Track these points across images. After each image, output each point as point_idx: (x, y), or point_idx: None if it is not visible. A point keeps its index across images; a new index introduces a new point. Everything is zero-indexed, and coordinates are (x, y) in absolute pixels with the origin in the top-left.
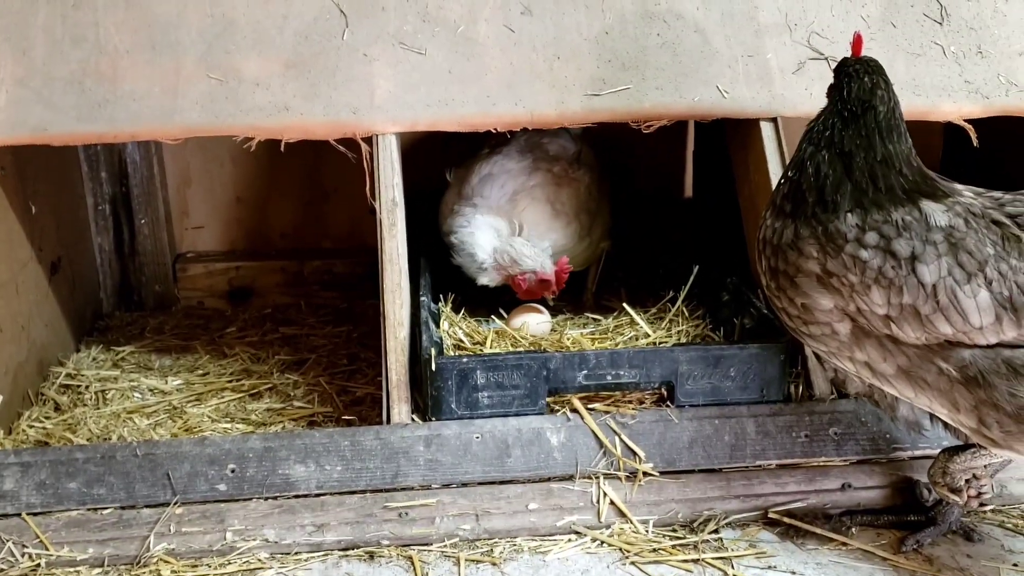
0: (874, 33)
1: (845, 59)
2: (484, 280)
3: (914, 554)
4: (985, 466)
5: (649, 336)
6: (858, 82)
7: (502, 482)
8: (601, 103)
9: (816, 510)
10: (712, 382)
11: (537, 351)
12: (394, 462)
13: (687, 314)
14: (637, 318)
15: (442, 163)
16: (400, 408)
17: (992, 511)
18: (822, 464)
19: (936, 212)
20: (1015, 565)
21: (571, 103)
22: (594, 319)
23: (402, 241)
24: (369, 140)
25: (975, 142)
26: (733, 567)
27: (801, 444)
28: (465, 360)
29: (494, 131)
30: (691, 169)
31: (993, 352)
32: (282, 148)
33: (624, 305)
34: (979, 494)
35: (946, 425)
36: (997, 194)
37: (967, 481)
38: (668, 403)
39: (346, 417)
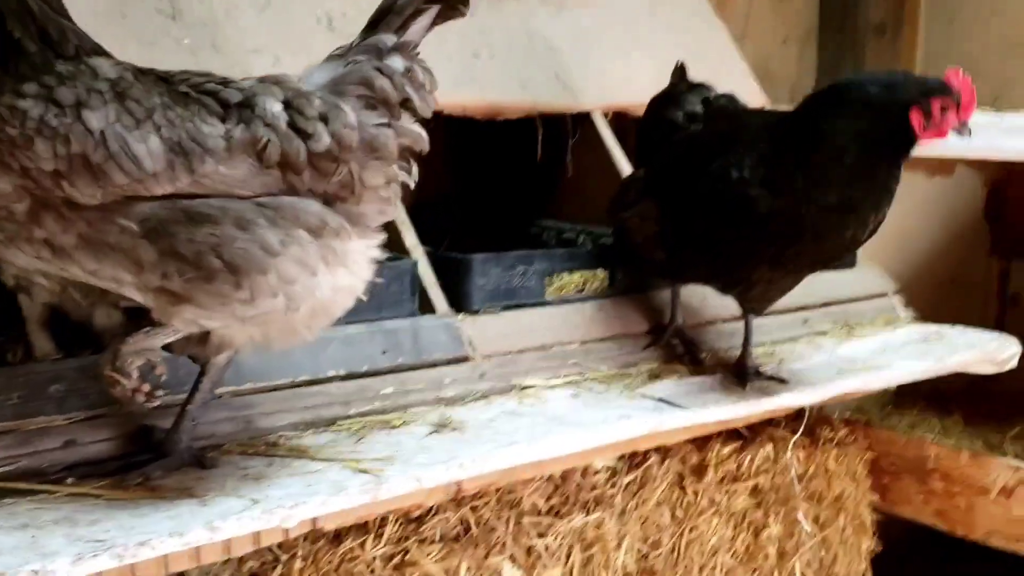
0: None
1: None
2: None
3: (140, 487)
4: (160, 353)
5: None
6: None
7: None
8: None
9: (33, 471)
10: None
11: None
12: None
13: None
14: None
15: None
16: None
17: (238, 444)
18: (42, 426)
19: (103, 65)
20: (246, 475)
21: None
22: None
23: None
24: None
25: None
26: None
27: (13, 407)
28: None
29: None
30: None
31: (171, 203)
32: None
33: None
34: (150, 385)
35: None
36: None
37: (140, 369)
38: None
39: None
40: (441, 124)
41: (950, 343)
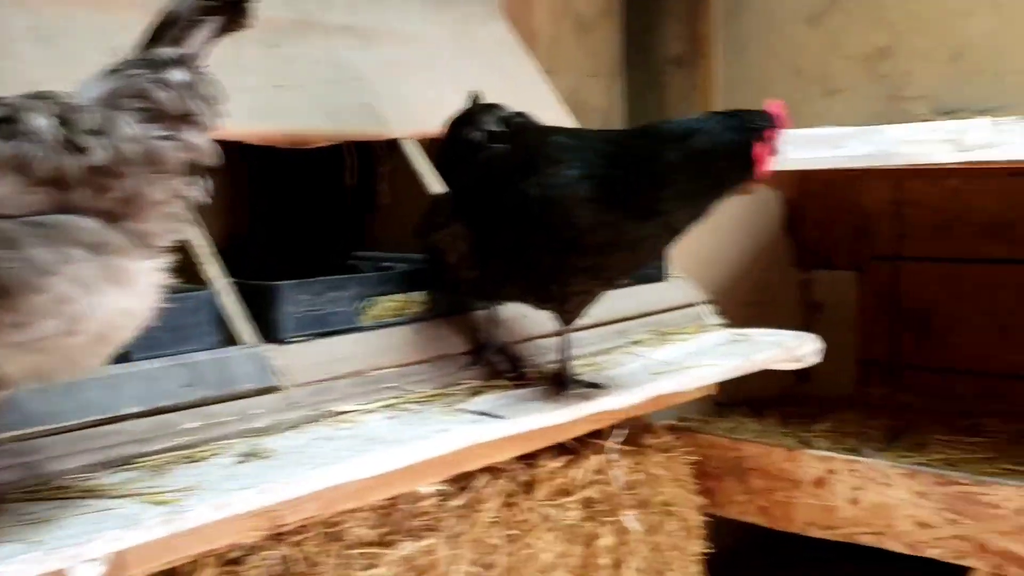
0: None
1: None
2: None
3: None
4: None
5: None
6: None
7: None
8: None
9: None
10: None
11: None
12: None
13: None
14: None
15: None
16: None
17: (21, 491)
18: None
19: None
20: (29, 520)
21: None
22: None
23: None
24: None
25: None
26: None
27: None
28: None
29: None
30: None
31: None
32: None
33: None
34: None
35: None
36: None
37: None
38: None
39: None
40: (248, 157)
41: (756, 343)
